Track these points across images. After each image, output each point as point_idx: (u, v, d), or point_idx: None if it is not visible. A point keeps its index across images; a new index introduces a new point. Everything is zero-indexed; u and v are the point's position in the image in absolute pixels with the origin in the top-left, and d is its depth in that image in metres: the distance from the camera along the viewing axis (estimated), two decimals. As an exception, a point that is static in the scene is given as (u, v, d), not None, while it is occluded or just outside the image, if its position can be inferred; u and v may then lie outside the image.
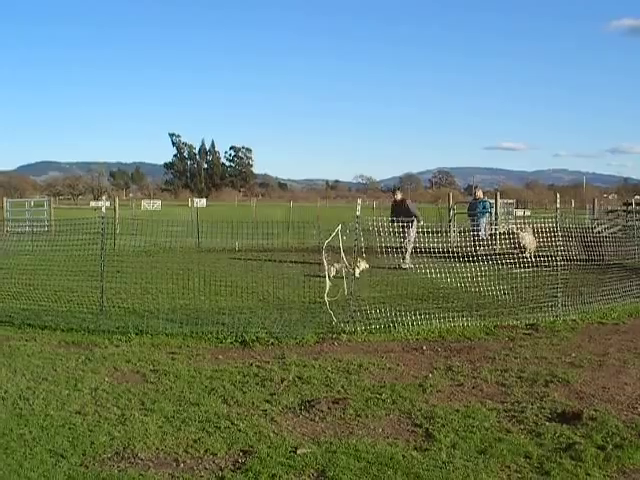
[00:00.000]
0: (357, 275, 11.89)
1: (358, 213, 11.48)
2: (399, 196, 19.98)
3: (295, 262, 18.58)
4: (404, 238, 16.49)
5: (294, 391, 7.31)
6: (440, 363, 8.53)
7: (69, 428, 6.11)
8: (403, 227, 15.84)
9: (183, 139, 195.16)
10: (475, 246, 14.76)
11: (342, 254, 11.46)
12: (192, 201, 77.62)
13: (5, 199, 37.36)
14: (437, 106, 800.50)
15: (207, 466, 5.36)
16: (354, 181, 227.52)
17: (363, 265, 14.04)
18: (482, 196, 24.80)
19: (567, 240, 12.64)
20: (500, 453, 5.54)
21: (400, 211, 18.65)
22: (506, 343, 9.65)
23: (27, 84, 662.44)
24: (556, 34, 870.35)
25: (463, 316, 10.86)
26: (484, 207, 23.62)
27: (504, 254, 13.19)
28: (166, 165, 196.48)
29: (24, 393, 7.14)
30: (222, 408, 6.72)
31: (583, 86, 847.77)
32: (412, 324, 10.40)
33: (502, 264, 12.53)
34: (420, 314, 10.62)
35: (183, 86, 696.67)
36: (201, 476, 5.16)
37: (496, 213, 26.11)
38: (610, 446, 5.68)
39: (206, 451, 5.65)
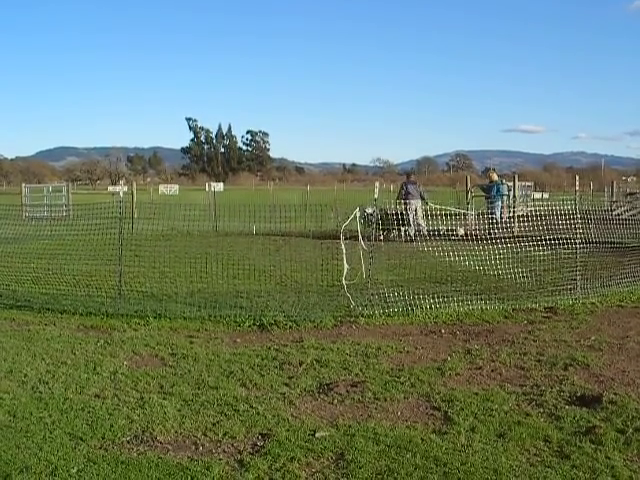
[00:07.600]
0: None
1: (376, 196, 11.38)
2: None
3: (313, 245, 18.56)
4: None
5: (312, 374, 7.31)
6: (459, 346, 8.49)
7: (88, 412, 6.15)
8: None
9: (200, 123, 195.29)
10: (491, 229, 14.68)
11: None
12: (209, 185, 77.44)
13: (23, 185, 37.65)
14: (455, 89, 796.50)
15: (226, 449, 5.37)
16: (371, 164, 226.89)
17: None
18: (496, 179, 24.81)
19: (586, 223, 12.50)
20: (519, 437, 5.51)
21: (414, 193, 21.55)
22: (525, 326, 9.60)
23: (44, 70, 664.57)
24: (576, 16, 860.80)
25: (482, 299, 10.81)
26: (498, 190, 23.76)
27: (522, 237, 13.08)
28: (183, 150, 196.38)
29: (43, 377, 7.19)
30: (241, 391, 6.73)
31: (603, 68, 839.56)
32: (430, 307, 10.36)
33: (520, 247, 12.44)
34: (438, 297, 10.57)
35: (200, 70, 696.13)
36: (220, 459, 5.17)
37: (514, 196, 26.03)
38: (630, 430, 5.63)
39: (225, 434, 5.66)
